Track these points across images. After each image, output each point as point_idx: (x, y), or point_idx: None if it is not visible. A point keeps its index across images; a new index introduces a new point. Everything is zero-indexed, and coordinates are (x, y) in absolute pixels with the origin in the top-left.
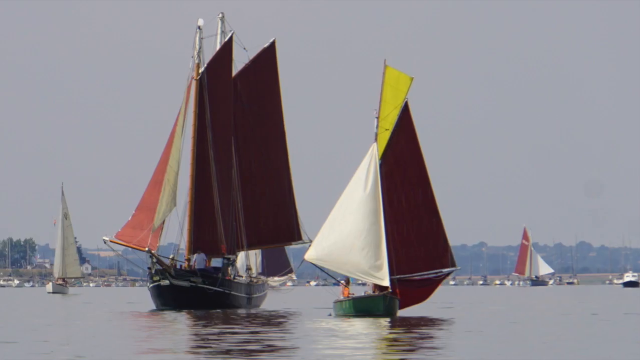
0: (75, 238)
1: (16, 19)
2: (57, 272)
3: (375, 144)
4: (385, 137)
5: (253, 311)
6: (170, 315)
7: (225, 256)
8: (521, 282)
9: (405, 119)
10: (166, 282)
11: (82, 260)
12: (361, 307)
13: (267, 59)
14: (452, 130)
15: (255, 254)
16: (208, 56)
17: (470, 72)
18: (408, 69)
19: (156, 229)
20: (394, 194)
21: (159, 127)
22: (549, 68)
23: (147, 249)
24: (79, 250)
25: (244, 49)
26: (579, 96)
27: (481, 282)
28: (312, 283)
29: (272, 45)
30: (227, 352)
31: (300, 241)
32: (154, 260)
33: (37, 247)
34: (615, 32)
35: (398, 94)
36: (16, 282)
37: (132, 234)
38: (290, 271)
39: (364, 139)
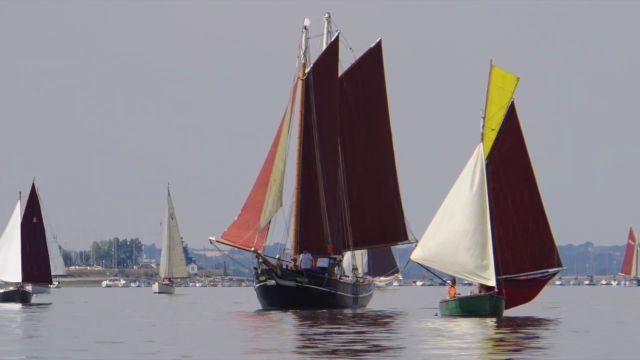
0: (182, 238)
1: (126, 20)
2: (163, 272)
3: (481, 144)
4: (491, 137)
5: (359, 311)
6: (276, 315)
7: (332, 256)
8: (627, 282)
9: (511, 119)
10: (272, 282)
11: (188, 260)
12: (467, 307)
13: (373, 58)
14: (557, 129)
15: (362, 254)
16: (314, 56)
17: (575, 72)
18: (514, 68)
19: (262, 229)
20: (500, 194)
21: (265, 127)
22: None
23: (253, 249)
24: (185, 250)
25: (350, 48)
26: None
27: (587, 282)
28: (418, 283)
29: (378, 45)
30: (333, 352)
31: (406, 241)
32: (260, 260)
33: (143, 247)
34: None
35: (504, 94)
36: (122, 282)
37: (239, 234)
38: (397, 271)
39: (470, 138)
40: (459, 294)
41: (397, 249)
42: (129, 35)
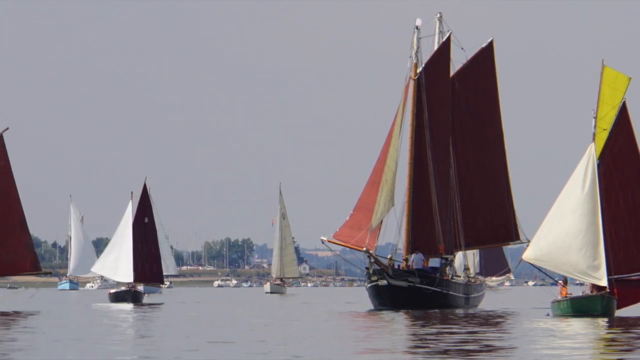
0: (293, 238)
1: (239, 20)
2: (275, 272)
3: (593, 143)
4: (603, 137)
5: (471, 311)
6: (388, 315)
7: (443, 256)
8: None
9: (623, 119)
10: (384, 282)
11: (300, 260)
12: (579, 307)
13: (484, 59)
14: None
15: (473, 253)
16: (426, 56)
17: None
18: (626, 69)
19: (374, 229)
20: (612, 193)
21: (376, 127)
22: None
23: (365, 249)
24: (296, 250)
25: (462, 48)
26: None
27: None
28: (530, 283)
29: (490, 45)
30: (445, 352)
31: (518, 241)
32: (372, 260)
33: (254, 247)
34: None
35: (616, 94)
36: (234, 282)
37: (350, 234)
38: (508, 271)
39: (581, 138)
40: (571, 294)
41: (509, 248)
42: (239, 34)
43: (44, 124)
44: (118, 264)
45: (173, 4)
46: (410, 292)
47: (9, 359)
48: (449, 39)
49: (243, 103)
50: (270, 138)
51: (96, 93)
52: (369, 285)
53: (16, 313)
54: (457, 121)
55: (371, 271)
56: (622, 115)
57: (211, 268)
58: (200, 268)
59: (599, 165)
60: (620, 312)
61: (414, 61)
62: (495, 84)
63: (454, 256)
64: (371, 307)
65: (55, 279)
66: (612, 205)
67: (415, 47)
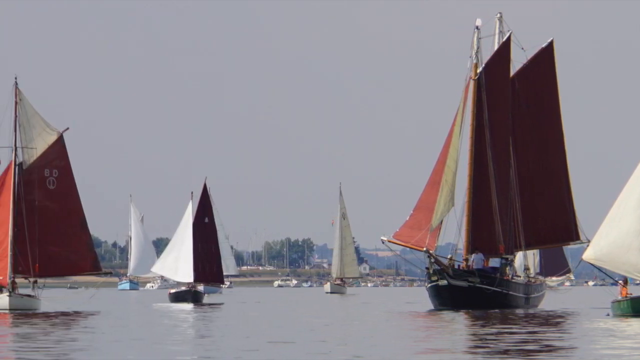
0: (354, 238)
1: (307, 20)
2: (335, 271)
3: None
4: None
5: (531, 311)
6: (448, 315)
7: (504, 256)
8: None
9: None
10: (444, 282)
11: (360, 260)
12: (639, 307)
13: (545, 59)
14: None
15: (534, 253)
16: (486, 56)
17: None
18: None
19: (434, 229)
20: None
21: (436, 127)
22: None
23: (425, 249)
24: (357, 250)
25: (522, 48)
26: None
27: None
28: (590, 283)
29: (550, 45)
30: (505, 352)
31: (578, 241)
32: (432, 260)
33: (315, 247)
34: None
35: None
36: (294, 282)
37: (410, 234)
38: (568, 271)
39: None
40: (631, 294)
41: (569, 248)
42: (300, 35)
43: (105, 124)
44: (178, 264)
45: (239, 4)
46: (470, 292)
47: (69, 359)
48: (509, 39)
49: (304, 103)
50: (331, 138)
51: (156, 93)
52: (429, 285)
53: (76, 313)
54: (517, 121)
55: (431, 271)
56: None
57: (271, 268)
58: (260, 268)
59: None
60: None
61: (474, 61)
62: (556, 84)
63: (514, 256)
64: (431, 307)
65: (116, 279)
66: None
67: (475, 47)
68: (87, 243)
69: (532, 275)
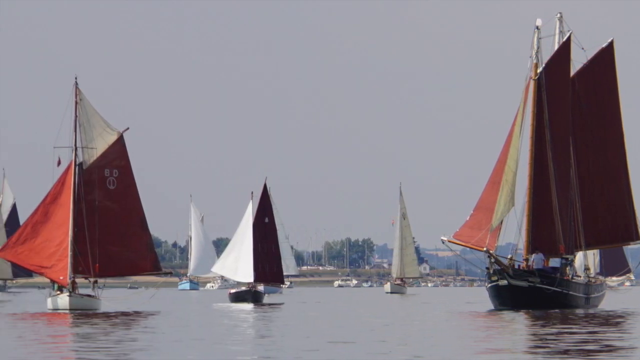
0: (414, 238)
1: (358, 20)
2: (395, 271)
3: None
4: None
5: (591, 311)
6: (508, 315)
7: (564, 256)
8: None
9: None
10: (504, 282)
11: (420, 260)
12: None
13: (605, 59)
14: None
15: (594, 253)
16: (546, 56)
17: None
18: None
19: (494, 229)
20: None
21: (496, 127)
22: None
23: (485, 249)
24: (417, 250)
25: (582, 49)
26: None
27: None
28: None
29: (610, 45)
30: (565, 352)
31: (638, 241)
32: (492, 260)
33: (375, 247)
34: None
35: None
36: (354, 282)
37: (470, 234)
38: (629, 271)
39: None
40: None
41: (629, 248)
42: (358, 34)
43: (165, 123)
44: (238, 264)
45: (299, 4)
46: (530, 292)
47: (129, 359)
48: (569, 39)
49: (364, 104)
50: (391, 138)
51: (217, 93)
52: (489, 285)
53: (137, 313)
54: (577, 121)
55: (491, 271)
56: None
57: (331, 268)
58: (320, 268)
59: None
60: None
61: (535, 61)
62: (616, 84)
63: (574, 256)
64: (491, 307)
65: (176, 279)
66: None
67: (535, 47)
68: (147, 243)
69: (592, 275)
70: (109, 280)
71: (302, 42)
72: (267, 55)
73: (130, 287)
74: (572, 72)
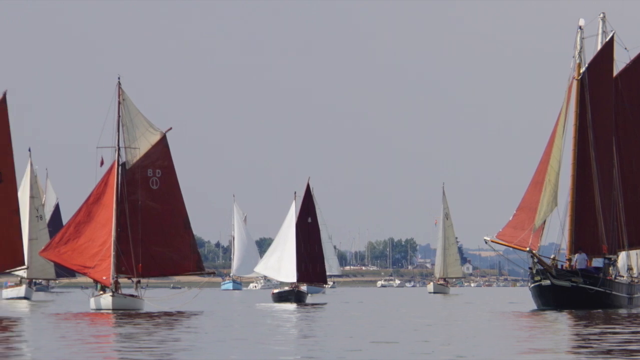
0: (457, 238)
1: (402, 20)
2: (438, 272)
3: None
4: None
5: (634, 311)
6: (551, 315)
7: (607, 256)
8: None
9: None
10: (547, 282)
11: (463, 260)
12: None
13: None
14: None
15: (637, 253)
16: (589, 56)
17: None
18: None
19: (537, 229)
20: None
21: (539, 127)
22: None
23: (528, 249)
24: (460, 250)
25: (625, 48)
26: None
27: None
28: None
29: None
30: (608, 352)
31: None
32: (535, 260)
33: (418, 247)
34: None
35: None
36: (397, 282)
37: (513, 233)
38: None
39: None
40: None
41: None
42: (400, 36)
43: (208, 123)
44: (281, 264)
45: (341, 4)
46: (573, 292)
47: (172, 359)
48: (612, 38)
49: (407, 104)
50: (434, 138)
51: (259, 93)
52: (532, 285)
53: (179, 313)
54: (620, 121)
55: (534, 271)
56: None
57: (374, 268)
58: (363, 268)
59: None
60: None
61: (577, 61)
62: None
63: (617, 256)
64: (534, 307)
65: (219, 279)
66: None
67: (578, 47)
68: (191, 243)
69: (635, 275)
70: (152, 280)
71: (344, 43)
72: (311, 56)
73: (173, 287)
74: (615, 72)
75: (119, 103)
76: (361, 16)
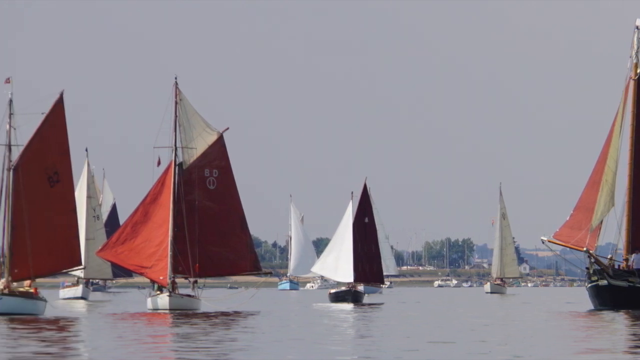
0: (514, 238)
1: (459, 20)
2: (495, 271)
3: None
4: None
5: None
6: (608, 315)
7: None
8: None
9: None
10: (604, 282)
11: (520, 260)
12: None
13: None
14: None
15: None
16: None
17: None
18: None
19: (594, 229)
20: None
21: (596, 127)
22: None
23: (585, 249)
24: (517, 250)
25: None
26: None
27: None
28: None
29: None
30: None
31: None
32: (592, 260)
33: (475, 247)
34: None
35: None
36: (454, 282)
37: (570, 233)
38: None
39: None
40: None
41: None
42: (457, 35)
43: (265, 123)
44: (338, 264)
45: (397, 4)
46: (630, 292)
47: (229, 359)
48: None
49: (463, 103)
50: (491, 138)
51: (318, 93)
52: (589, 285)
53: (236, 313)
54: None
55: (591, 271)
56: None
57: (431, 268)
58: (420, 268)
59: None
60: None
61: (634, 61)
62: None
63: None
64: (591, 307)
65: (276, 279)
66: None
67: (635, 46)
68: (247, 243)
69: None
70: (209, 280)
71: (402, 43)
72: (368, 56)
73: (230, 287)
74: None
75: (176, 103)
76: (422, 16)
